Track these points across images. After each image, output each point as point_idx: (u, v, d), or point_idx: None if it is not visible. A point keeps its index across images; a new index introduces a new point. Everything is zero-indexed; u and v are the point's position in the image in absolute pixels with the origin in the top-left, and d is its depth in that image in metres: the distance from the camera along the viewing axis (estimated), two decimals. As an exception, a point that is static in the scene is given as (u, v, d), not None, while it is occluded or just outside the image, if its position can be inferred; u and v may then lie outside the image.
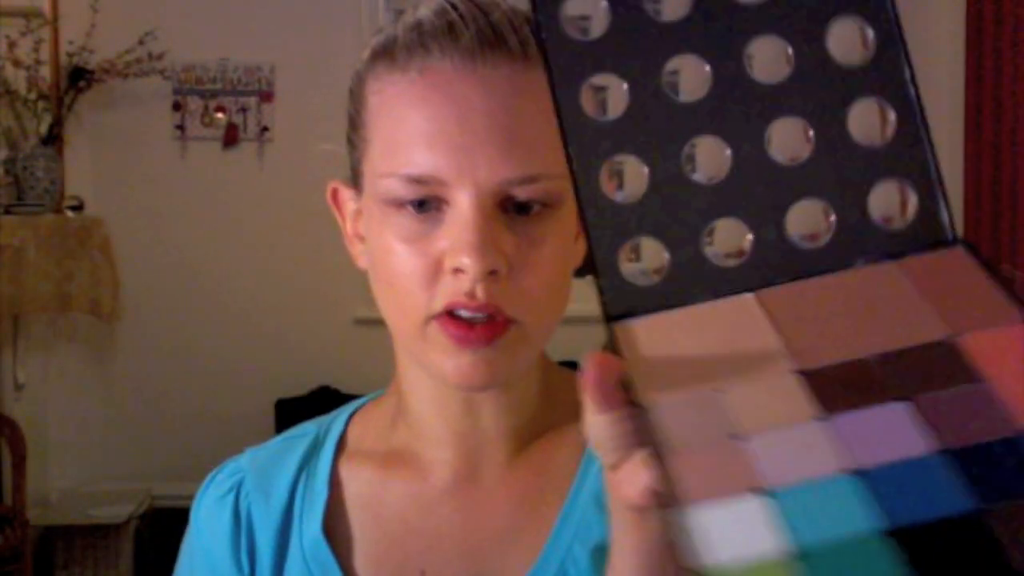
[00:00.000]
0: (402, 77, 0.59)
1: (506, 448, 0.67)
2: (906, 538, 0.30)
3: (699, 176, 0.42)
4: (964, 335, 0.36)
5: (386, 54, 0.60)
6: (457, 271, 0.56)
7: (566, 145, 0.42)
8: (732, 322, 0.40)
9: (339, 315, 3.28)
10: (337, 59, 2.96)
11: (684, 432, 0.36)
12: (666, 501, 0.34)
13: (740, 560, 0.31)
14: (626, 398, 0.38)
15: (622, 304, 0.41)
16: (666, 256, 0.42)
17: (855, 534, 0.31)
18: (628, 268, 0.42)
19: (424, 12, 0.60)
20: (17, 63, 3.11)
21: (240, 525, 0.70)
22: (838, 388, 0.36)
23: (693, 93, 0.41)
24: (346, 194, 0.67)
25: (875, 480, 0.32)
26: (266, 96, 3.55)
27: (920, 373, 0.35)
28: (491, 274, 0.56)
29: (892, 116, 0.41)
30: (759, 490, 0.33)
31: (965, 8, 3.48)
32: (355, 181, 0.65)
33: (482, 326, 0.57)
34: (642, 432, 0.36)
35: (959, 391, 0.34)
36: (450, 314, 0.58)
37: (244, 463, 0.73)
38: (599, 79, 0.42)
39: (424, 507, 0.68)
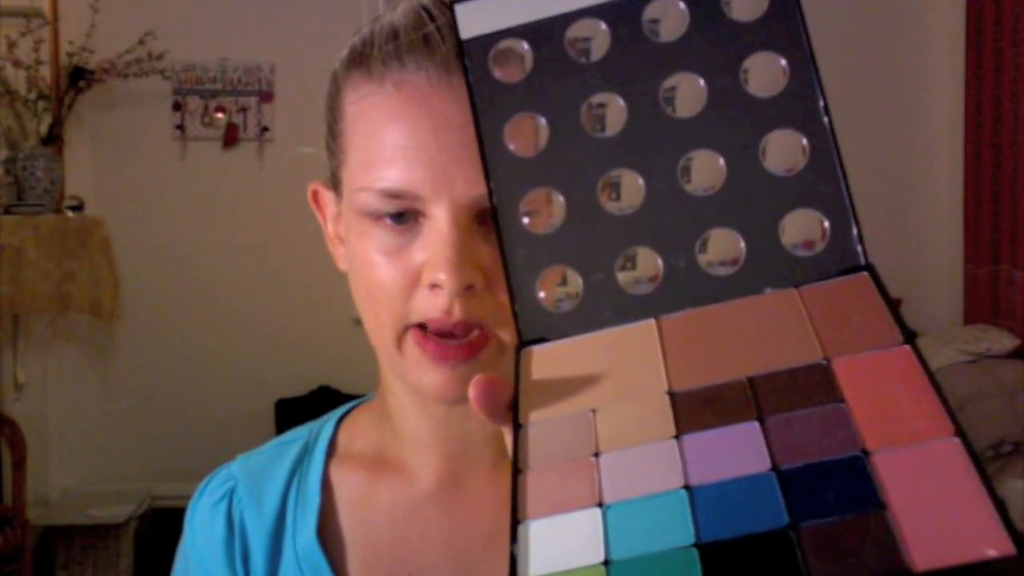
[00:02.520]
0: (378, 89, 0.58)
1: (492, 452, 0.68)
2: (712, 552, 0.32)
3: (615, 207, 0.43)
4: (836, 358, 0.37)
5: (362, 63, 0.60)
6: (434, 286, 0.56)
7: (488, 179, 0.44)
8: (627, 347, 0.42)
9: (339, 315, 3.28)
10: (337, 55, 2.95)
11: (546, 450, 0.38)
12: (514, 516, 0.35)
13: (553, 572, 0.33)
14: (514, 419, 0.40)
15: (536, 330, 0.44)
16: (580, 285, 0.43)
17: (666, 547, 0.32)
18: (545, 296, 0.44)
19: (400, 19, 0.59)
20: (17, 63, 3.11)
21: (233, 532, 0.70)
22: (700, 408, 0.37)
23: (611, 128, 0.43)
24: (327, 196, 0.67)
25: (701, 496, 0.34)
26: (266, 96, 3.55)
27: (782, 394, 0.37)
28: (467, 289, 0.56)
29: (805, 145, 0.42)
30: (594, 505, 0.35)
31: (965, 8, 3.48)
32: (334, 186, 0.65)
33: (459, 346, 0.57)
34: (517, 450, 0.39)
35: (811, 412, 0.35)
36: (425, 331, 0.58)
37: (236, 469, 0.73)
38: (522, 117, 0.45)
39: (411, 511, 0.68)
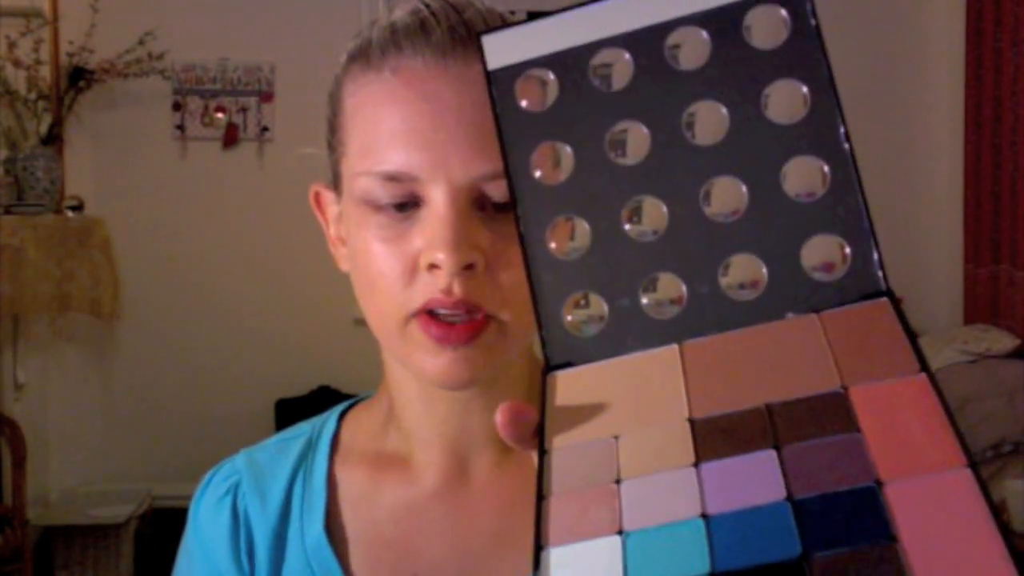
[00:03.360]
0: (376, 77, 0.59)
1: (495, 450, 0.68)
2: None
3: (639, 233, 0.44)
4: (854, 387, 0.38)
5: (361, 56, 0.61)
6: (433, 267, 0.57)
7: (515, 206, 0.45)
8: (650, 372, 0.42)
9: (339, 315, 3.28)
10: (337, 59, 2.96)
11: (569, 476, 0.39)
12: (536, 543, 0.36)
13: None
14: (539, 444, 0.40)
15: (563, 355, 0.45)
16: (606, 310, 0.44)
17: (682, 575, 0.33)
18: (571, 321, 0.45)
19: (398, 13, 0.61)
20: (17, 63, 3.11)
21: (239, 525, 0.70)
22: (718, 436, 0.38)
23: (634, 156, 0.44)
24: (328, 197, 0.67)
25: (717, 525, 0.34)
26: (266, 96, 3.55)
27: (800, 423, 0.37)
28: (467, 269, 0.56)
29: (827, 172, 0.42)
30: (613, 532, 0.35)
31: (965, 8, 3.48)
32: (335, 184, 0.65)
33: (462, 325, 0.57)
34: (541, 476, 0.39)
35: (827, 441, 0.36)
36: (429, 313, 0.58)
37: (240, 464, 0.73)
38: (548, 146, 0.45)
39: (415, 509, 0.68)
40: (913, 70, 3.67)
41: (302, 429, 0.75)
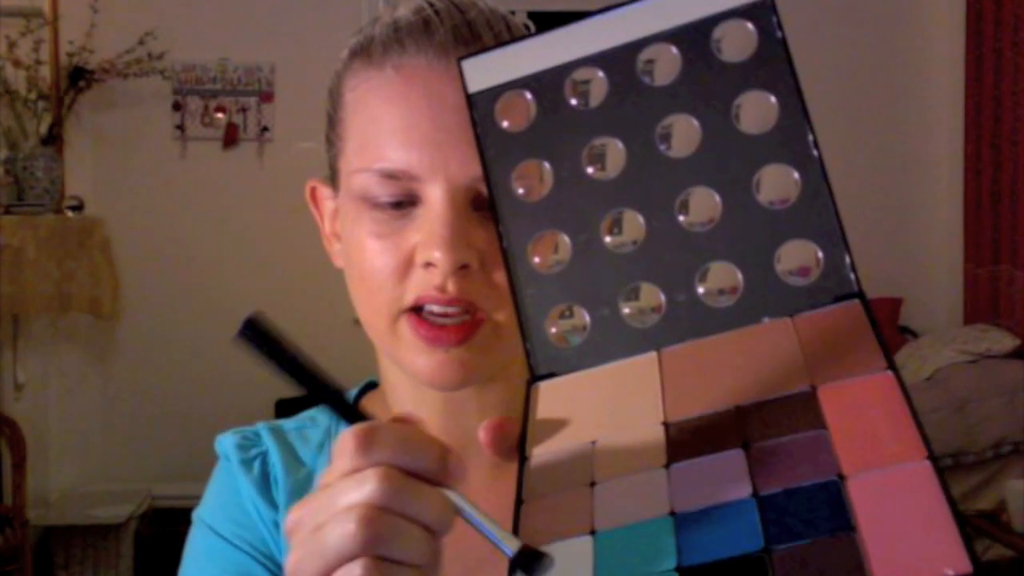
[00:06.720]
0: (378, 73, 0.59)
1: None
2: (691, 575, 0.33)
3: (617, 246, 0.46)
4: (822, 386, 0.39)
5: (363, 52, 0.61)
6: (428, 265, 0.57)
7: (497, 224, 0.47)
8: (628, 379, 0.44)
9: (339, 315, 3.27)
10: (338, 56, 2.96)
11: (546, 481, 0.40)
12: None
13: None
14: (520, 452, 0.41)
15: (547, 366, 0.46)
16: (587, 320, 0.45)
17: (650, 571, 0.34)
18: (556, 332, 0.46)
19: (401, 11, 0.61)
20: (17, 63, 3.11)
21: (269, 480, 0.69)
22: (690, 438, 0.39)
23: (612, 170, 0.46)
24: (324, 192, 0.67)
25: (685, 522, 0.35)
26: (266, 96, 3.55)
27: (768, 422, 0.38)
28: (462, 268, 0.56)
29: (797, 179, 0.43)
30: (586, 533, 0.37)
31: (965, 8, 3.48)
32: (332, 179, 0.65)
33: (453, 327, 0.58)
34: (521, 482, 0.40)
35: (793, 439, 0.37)
36: (420, 313, 0.58)
37: (264, 435, 0.71)
38: (528, 164, 0.47)
39: None
40: (913, 70, 3.67)
41: (318, 419, 0.74)
